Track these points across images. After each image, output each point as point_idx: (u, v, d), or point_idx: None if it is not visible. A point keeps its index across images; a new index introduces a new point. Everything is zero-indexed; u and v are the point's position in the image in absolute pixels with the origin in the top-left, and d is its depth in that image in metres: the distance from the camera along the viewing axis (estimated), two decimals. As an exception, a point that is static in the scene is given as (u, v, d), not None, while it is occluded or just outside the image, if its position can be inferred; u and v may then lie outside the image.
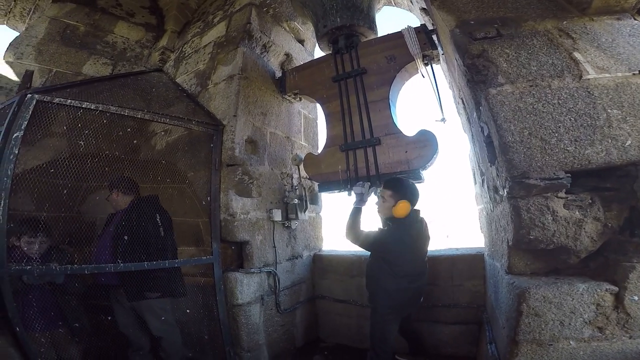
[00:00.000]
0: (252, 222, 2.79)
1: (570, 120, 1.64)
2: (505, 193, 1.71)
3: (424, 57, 2.75)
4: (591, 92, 1.67)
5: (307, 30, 3.94)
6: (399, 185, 2.31)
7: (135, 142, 2.78)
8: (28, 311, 2.03)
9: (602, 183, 1.65)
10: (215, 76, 3.17)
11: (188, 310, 2.59)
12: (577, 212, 1.60)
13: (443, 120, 2.80)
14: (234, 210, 2.67)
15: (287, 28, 3.74)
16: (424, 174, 2.60)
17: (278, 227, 3.04)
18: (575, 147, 1.60)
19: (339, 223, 2.81)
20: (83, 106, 2.20)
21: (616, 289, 1.48)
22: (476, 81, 2.04)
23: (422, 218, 2.38)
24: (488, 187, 2.21)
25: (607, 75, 1.70)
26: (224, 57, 3.22)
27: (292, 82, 3.31)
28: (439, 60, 2.84)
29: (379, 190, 2.42)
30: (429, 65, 2.80)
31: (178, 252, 2.57)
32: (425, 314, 2.68)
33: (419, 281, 2.29)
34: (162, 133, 3.14)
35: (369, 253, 2.40)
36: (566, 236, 1.60)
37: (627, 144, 1.56)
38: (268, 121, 3.19)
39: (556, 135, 1.63)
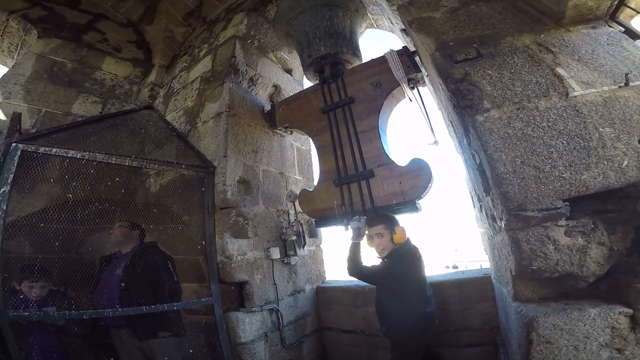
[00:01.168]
0: (249, 262, 2.71)
1: (562, 143, 1.58)
2: (503, 225, 1.64)
3: (409, 80, 2.72)
4: (580, 111, 1.60)
5: (294, 59, 3.93)
6: (383, 217, 2.34)
7: (123, 191, 2.71)
8: (30, 353, 2.03)
9: (603, 206, 1.58)
10: (204, 114, 3.15)
11: (191, 350, 2.50)
12: (580, 239, 1.53)
13: (435, 143, 2.75)
14: (230, 253, 2.60)
15: (274, 58, 3.74)
16: (420, 203, 2.52)
17: (277, 264, 2.96)
18: (571, 173, 1.53)
19: (341, 253, 2.74)
20: (69, 155, 2.15)
21: (630, 311, 1.39)
22: (462, 106, 1.96)
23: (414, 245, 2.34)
24: (486, 214, 2.14)
25: (593, 90, 1.64)
26: (210, 94, 3.19)
27: (282, 115, 3.27)
28: (425, 82, 2.80)
29: (366, 234, 2.37)
30: (415, 89, 2.76)
31: (182, 288, 2.60)
32: (438, 339, 2.58)
33: (431, 305, 2.22)
34: (155, 175, 3.08)
35: (374, 286, 2.34)
36: (570, 264, 1.52)
37: (624, 165, 1.49)
38: (260, 158, 3.14)
39: (549, 161, 1.57)
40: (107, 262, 2.54)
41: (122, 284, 2.29)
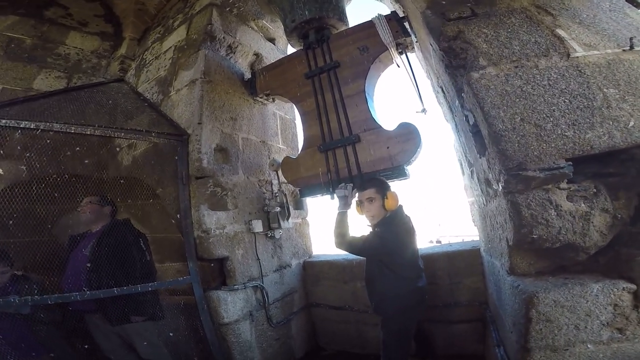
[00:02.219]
0: (229, 236, 2.51)
1: (564, 102, 1.43)
2: (501, 188, 1.48)
3: (397, 45, 2.50)
4: (582, 71, 1.46)
5: (278, 28, 3.62)
6: (375, 181, 2.14)
7: (86, 161, 2.44)
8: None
9: (604, 169, 1.44)
10: (177, 82, 2.86)
11: (171, 334, 2.34)
12: (583, 204, 1.38)
13: (424, 111, 2.55)
14: (207, 226, 2.38)
15: (255, 27, 3.42)
16: (409, 169, 2.35)
17: (260, 238, 2.76)
18: (574, 132, 1.38)
19: (328, 225, 2.57)
20: (21, 126, 1.87)
21: (634, 286, 1.28)
22: (455, 66, 1.82)
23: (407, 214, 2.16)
24: (479, 179, 1.98)
25: (595, 52, 1.51)
26: (185, 62, 2.90)
27: (263, 82, 3.01)
28: (414, 48, 2.59)
29: (356, 198, 2.18)
30: (404, 54, 2.54)
31: (164, 269, 2.44)
32: (428, 314, 2.46)
33: (422, 279, 2.08)
34: (127, 148, 2.81)
35: (364, 259, 2.18)
36: (573, 232, 1.37)
37: (630, 125, 1.35)
38: (239, 126, 2.88)
39: (551, 119, 1.41)
40: (76, 242, 2.30)
41: (88, 265, 2.08)
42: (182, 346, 2.34)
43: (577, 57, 1.49)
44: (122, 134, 2.22)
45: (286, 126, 3.55)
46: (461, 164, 2.61)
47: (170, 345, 2.29)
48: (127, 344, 2.20)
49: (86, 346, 2.18)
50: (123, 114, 2.59)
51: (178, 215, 2.35)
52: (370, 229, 2.26)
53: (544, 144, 1.39)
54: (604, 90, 1.40)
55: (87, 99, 2.56)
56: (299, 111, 2.80)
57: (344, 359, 2.82)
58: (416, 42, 2.52)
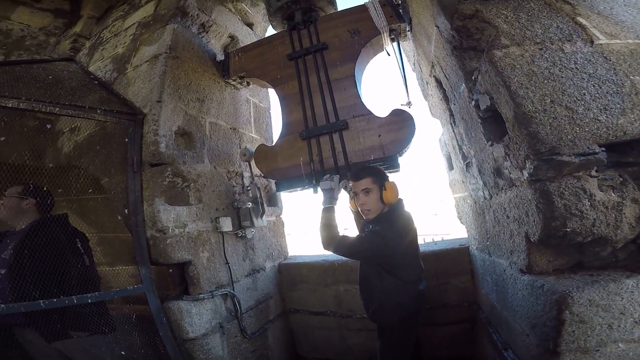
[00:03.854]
0: (192, 236, 2.06)
1: (593, 86, 1.29)
2: (526, 175, 1.29)
3: (390, 31, 2.28)
4: (608, 58, 1.35)
5: (257, 13, 3.25)
6: (372, 169, 1.83)
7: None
8: None
9: (624, 157, 1.32)
10: (136, 58, 2.36)
11: (125, 351, 1.88)
12: (613, 194, 1.24)
13: (409, 104, 2.35)
14: (164, 225, 1.92)
15: (233, 9, 3.00)
16: (400, 160, 2.12)
17: (229, 238, 2.33)
18: (607, 117, 1.25)
19: (306, 222, 2.21)
20: None
21: None
22: (465, 47, 1.66)
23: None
24: (480, 171, 1.81)
25: (618, 41, 1.42)
26: (148, 37, 2.41)
27: (238, 63, 2.61)
28: (406, 36, 2.39)
29: (350, 186, 1.85)
30: (396, 41, 2.33)
31: (115, 272, 2.07)
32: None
33: (423, 282, 1.82)
34: (69, 132, 2.24)
35: (347, 259, 1.89)
36: (607, 224, 1.23)
37: None
38: (207, 109, 2.44)
39: (582, 103, 1.27)
40: None
41: (2, 271, 1.61)
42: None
43: (601, 44, 1.39)
44: (57, 109, 1.68)
45: (260, 115, 3.16)
46: (449, 159, 2.46)
47: None
48: None
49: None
50: (67, 92, 2.02)
51: (126, 211, 1.86)
52: (358, 228, 1.99)
53: (577, 128, 1.23)
54: (631, 77, 1.30)
55: (20, 73, 1.95)
56: (278, 95, 2.45)
57: (326, 368, 2.50)
58: (409, 30, 2.34)
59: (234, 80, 2.64)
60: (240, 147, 2.69)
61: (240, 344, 2.20)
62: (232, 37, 2.89)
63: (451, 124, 2.15)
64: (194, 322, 1.93)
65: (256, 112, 3.08)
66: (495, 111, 1.48)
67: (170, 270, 2.00)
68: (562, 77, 1.31)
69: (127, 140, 1.93)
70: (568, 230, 1.22)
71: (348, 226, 2.36)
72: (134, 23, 2.67)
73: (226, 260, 2.24)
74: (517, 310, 1.51)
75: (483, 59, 1.47)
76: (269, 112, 3.28)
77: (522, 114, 1.27)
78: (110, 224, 2.18)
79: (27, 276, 1.60)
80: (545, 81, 1.31)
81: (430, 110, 2.67)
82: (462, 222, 2.48)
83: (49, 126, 1.96)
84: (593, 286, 1.17)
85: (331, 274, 2.57)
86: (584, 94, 1.27)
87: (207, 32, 2.68)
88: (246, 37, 3.04)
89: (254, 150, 2.44)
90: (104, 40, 2.84)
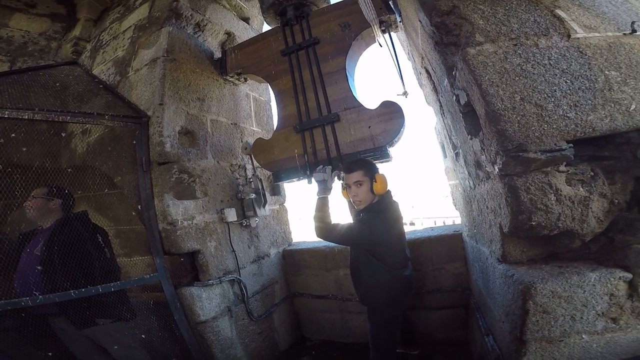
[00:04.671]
0: (200, 227, 2.23)
1: (566, 82, 1.30)
2: (497, 170, 1.34)
3: (381, 23, 2.27)
4: (584, 52, 1.34)
5: (253, 7, 3.25)
6: (363, 162, 1.92)
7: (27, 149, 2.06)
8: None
9: (600, 152, 1.34)
10: (136, 62, 2.46)
11: (146, 335, 2.07)
12: (582, 189, 1.28)
13: (405, 94, 2.37)
14: (173, 218, 2.09)
15: (227, 5, 3.03)
16: (391, 150, 2.17)
17: (235, 228, 2.50)
18: (576, 113, 1.26)
19: (308, 211, 2.35)
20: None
21: (630, 275, 1.21)
22: (446, 43, 1.66)
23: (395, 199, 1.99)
24: (466, 162, 1.85)
25: (596, 34, 1.39)
26: (145, 40, 2.50)
27: (234, 60, 2.68)
28: (397, 27, 2.38)
29: (342, 178, 1.96)
30: (387, 33, 2.32)
31: (133, 263, 2.20)
32: (412, 301, 2.37)
33: (409, 268, 1.94)
34: (81, 134, 2.41)
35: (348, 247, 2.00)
36: (572, 219, 1.27)
37: (632, 109, 1.25)
38: (207, 107, 2.55)
39: (552, 100, 1.28)
40: (25, 240, 1.97)
41: (39, 267, 1.78)
42: (159, 346, 2.10)
43: (578, 38, 1.36)
44: (69, 117, 1.84)
45: (260, 108, 3.24)
46: (443, 147, 2.49)
47: (146, 346, 2.04)
48: (100, 347, 1.96)
49: (50, 354, 1.89)
50: (75, 97, 2.18)
51: (139, 207, 2.04)
52: (351, 215, 2.10)
53: (545, 125, 1.25)
54: (606, 72, 1.29)
55: (30, 82, 2.10)
56: (273, 90, 2.53)
57: (329, 348, 2.69)
58: (400, 21, 2.32)
59: (232, 77, 2.72)
60: (242, 141, 2.81)
61: (247, 326, 2.40)
62: (229, 34, 2.93)
63: (441, 114, 2.17)
64: (204, 306, 2.12)
65: (256, 106, 3.17)
66: (472, 105, 1.51)
67: (182, 259, 2.18)
68: (534, 73, 1.32)
69: (134, 142, 2.08)
70: (533, 223, 1.28)
71: (342, 214, 2.46)
72: (131, 26, 2.75)
73: (232, 248, 2.42)
74: (496, 297, 1.59)
75: (458, 56, 1.48)
76: (269, 104, 3.35)
77: (492, 112, 1.30)
78: (125, 218, 2.34)
79: (57, 270, 1.79)
80: (517, 78, 1.32)
81: (425, 98, 2.67)
82: (456, 209, 2.53)
83: (64, 134, 2.13)
84: (557, 278, 1.23)
85: (332, 259, 2.71)
86: (555, 91, 1.28)
87: (202, 32, 2.74)
88: (243, 32, 3.08)
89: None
90: (104, 43, 2.93)
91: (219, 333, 2.17)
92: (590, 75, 1.29)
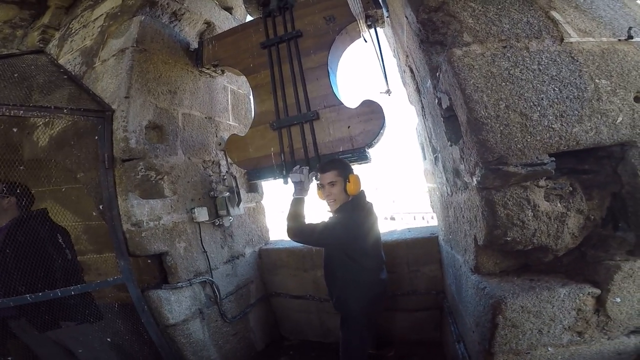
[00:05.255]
0: (167, 228, 2.09)
1: (554, 90, 1.21)
2: (475, 182, 1.27)
3: (367, 17, 2.14)
4: (575, 58, 1.25)
5: None
6: (337, 163, 1.86)
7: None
8: None
9: (580, 164, 1.28)
10: (104, 52, 2.25)
11: (112, 338, 1.96)
12: (559, 204, 1.22)
13: (388, 92, 2.27)
14: (138, 219, 1.94)
15: None
16: (370, 152, 2.08)
17: (206, 228, 2.36)
18: (562, 125, 1.18)
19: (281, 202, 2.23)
20: None
21: (598, 291, 1.18)
22: (432, 42, 1.54)
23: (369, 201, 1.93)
24: (445, 168, 1.77)
25: (591, 39, 1.31)
26: (115, 29, 2.29)
27: (211, 52, 2.49)
28: (384, 23, 2.25)
29: (317, 178, 1.88)
30: (373, 28, 2.19)
31: (103, 260, 2.09)
32: (388, 303, 2.31)
33: (384, 271, 1.88)
34: (43, 126, 2.21)
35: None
36: (547, 235, 1.22)
37: (618, 121, 1.18)
38: (179, 100, 2.37)
39: (539, 109, 1.20)
40: None
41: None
42: (127, 349, 1.99)
43: (571, 42, 1.28)
44: (21, 112, 1.64)
45: (239, 101, 3.06)
46: (423, 149, 2.41)
47: (114, 349, 1.94)
48: (66, 349, 1.85)
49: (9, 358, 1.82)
50: (35, 89, 1.97)
51: (101, 207, 1.88)
52: (329, 216, 2.01)
53: (529, 136, 1.17)
54: (596, 80, 1.21)
55: None
56: (250, 84, 2.37)
57: (307, 348, 2.62)
58: (387, 16, 2.19)
59: (208, 69, 2.55)
60: (216, 136, 2.64)
61: (221, 328, 2.30)
62: (209, 24, 2.73)
63: (423, 116, 2.08)
64: (173, 309, 2.00)
65: (234, 99, 2.99)
66: (454, 110, 1.42)
67: (149, 261, 2.05)
68: (522, 79, 1.23)
69: (97, 137, 1.90)
70: (508, 239, 1.22)
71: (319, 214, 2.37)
72: (102, 14, 2.53)
73: (203, 249, 2.28)
74: (468, 306, 1.55)
75: (443, 57, 1.38)
76: (249, 97, 3.17)
77: (474, 120, 1.21)
78: (93, 214, 2.14)
79: (12, 272, 1.64)
80: (504, 84, 1.23)
81: (408, 97, 2.57)
82: (434, 211, 2.47)
83: (15, 130, 1.92)
84: (528, 293, 1.20)
85: (309, 260, 2.62)
86: (542, 99, 1.20)
87: (179, 21, 2.53)
88: (224, 22, 2.88)
89: (227, 139, 2.42)
90: (73, 31, 2.69)
91: (190, 336, 2.07)
92: (580, 83, 1.21)
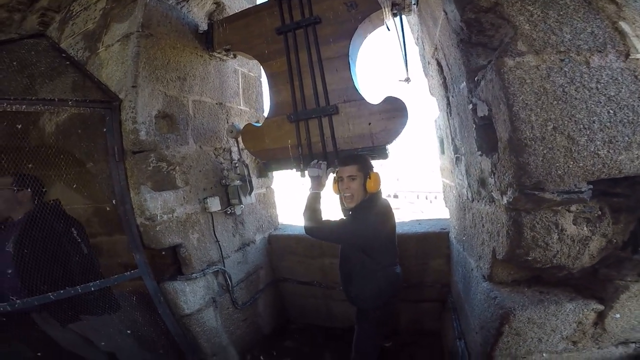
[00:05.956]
0: (181, 220, 2.05)
1: (608, 113, 1.09)
2: (505, 201, 1.22)
3: (393, 5, 1.94)
4: (639, 77, 1.10)
5: None
6: (360, 158, 1.83)
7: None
8: None
9: (612, 188, 1.22)
10: (108, 37, 2.05)
11: (130, 328, 1.99)
12: (586, 228, 1.20)
13: (407, 80, 2.14)
14: (151, 212, 1.89)
15: None
16: (389, 148, 2.00)
17: (218, 217, 2.32)
18: (608, 151, 1.10)
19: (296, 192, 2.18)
20: None
21: (602, 307, 1.23)
22: (474, 43, 1.39)
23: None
24: (468, 172, 1.72)
25: None
26: (119, 13, 2.06)
27: (222, 35, 2.28)
28: (410, 11, 2.05)
29: (336, 172, 1.85)
30: (398, 16, 2.00)
31: (113, 241, 2.06)
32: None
33: (398, 265, 1.90)
34: (49, 113, 2.05)
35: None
36: (567, 256, 1.22)
37: None
38: (189, 87, 2.22)
39: (587, 132, 1.10)
40: None
41: (9, 272, 1.60)
42: (146, 337, 2.03)
43: (637, 59, 1.13)
44: (24, 107, 1.51)
45: (250, 85, 2.88)
46: (442, 143, 2.33)
47: (133, 337, 1.98)
48: (87, 339, 1.89)
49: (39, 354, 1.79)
50: (36, 78, 1.81)
51: (114, 201, 1.81)
52: (341, 210, 1.98)
53: (572, 162, 1.11)
54: (657, 104, 1.10)
55: None
56: (265, 72, 2.21)
57: (312, 332, 2.72)
58: (415, 4, 1.99)
59: (219, 53, 2.35)
60: (227, 122, 2.52)
61: (232, 315, 2.35)
62: (218, 4, 2.46)
63: (447, 112, 1.98)
64: (188, 300, 2.03)
65: (245, 83, 2.81)
66: (492, 122, 1.33)
67: (163, 253, 2.03)
68: (576, 98, 1.11)
69: (105, 130, 1.78)
70: (529, 258, 1.22)
71: (334, 210, 2.34)
72: None
73: (216, 238, 2.27)
74: (474, 308, 1.59)
75: (491, 64, 1.25)
76: (260, 80, 2.99)
77: (517, 141, 1.14)
78: (104, 195, 2.07)
79: (33, 271, 1.62)
80: (555, 102, 1.12)
81: (429, 89, 2.44)
82: (447, 206, 2.46)
83: (19, 126, 1.76)
84: (536, 306, 1.24)
85: (318, 248, 2.64)
86: (594, 122, 1.09)
87: (187, 1, 2.28)
88: (234, 2, 2.60)
89: (241, 126, 2.31)
90: (74, 14, 2.42)
91: (204, 324, 2.12)
92: (638, 106, 1.09)
